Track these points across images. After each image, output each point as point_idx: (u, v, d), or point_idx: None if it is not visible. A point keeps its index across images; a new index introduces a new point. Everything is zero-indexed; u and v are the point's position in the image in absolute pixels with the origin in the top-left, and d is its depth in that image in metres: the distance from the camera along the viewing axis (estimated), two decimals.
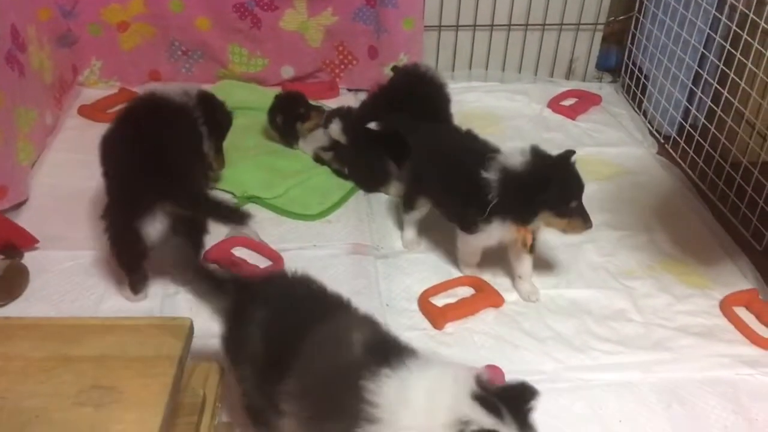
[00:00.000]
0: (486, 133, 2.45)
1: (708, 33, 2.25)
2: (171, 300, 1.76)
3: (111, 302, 1.75)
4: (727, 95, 2.14)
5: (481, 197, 1.67)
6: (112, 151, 1.73)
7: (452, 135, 1.93)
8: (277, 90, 2.65)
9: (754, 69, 2.01)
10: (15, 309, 1.71)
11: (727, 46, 2.14)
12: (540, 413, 1.48)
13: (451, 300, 1.78)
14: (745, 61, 2.04)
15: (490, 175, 1.66)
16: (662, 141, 2.49)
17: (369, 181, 2.21)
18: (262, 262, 1.89)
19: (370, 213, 2.12)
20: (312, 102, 2.40)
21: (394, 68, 2.36)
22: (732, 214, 2.11)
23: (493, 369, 1.55)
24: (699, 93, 2.31)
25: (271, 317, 1.22)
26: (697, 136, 2.29)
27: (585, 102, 2.71)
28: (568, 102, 2.72)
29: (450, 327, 1.72)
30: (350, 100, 2.66)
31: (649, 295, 1.84)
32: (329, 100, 2.64)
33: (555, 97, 2.72)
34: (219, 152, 2.06)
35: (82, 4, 2.49)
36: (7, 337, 1.11)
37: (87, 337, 1.11)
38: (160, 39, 2.61)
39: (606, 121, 2.62)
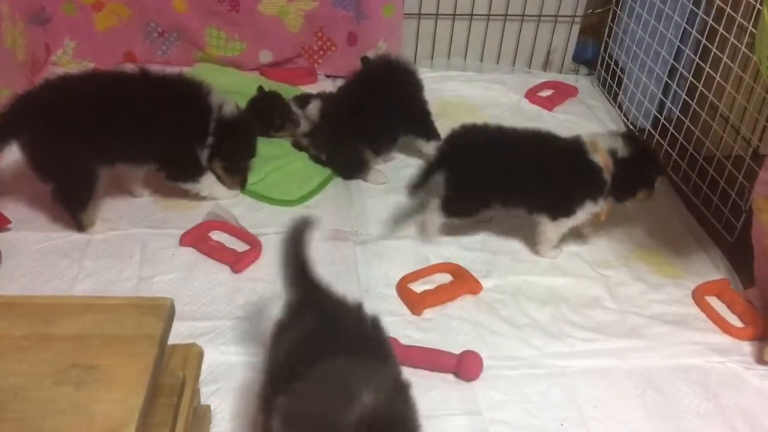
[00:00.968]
0: (463, 121, 2.48)
1: (684, 27, 2.28)
2: (147, 283, 1.75)
3: (85, 284, 1.73)
4: (702, 89, 2.17)
5: (587, 182, 1.81)
6: None
7: (498, 132, 1.94)
8: (255, 75, 2.64)
9: (730, 63, 2.04)
10: None
11: (703, 41, 2.18)
12: (517, 399, 1.52)
13: (430, 286, 1.79)
14: (720, 55, 2.07)
15: (598, 161, 1.79)
16: (637, 134, 2.51)
17: (347, 168, 2.20)
18: (240, 246, 1.87)
19: (349, 199, 2.12)
20: (290, 94, 2.38)
21: (364, 59, 2.35)
22: (704, 206, 2.14)
23: (471, 354, 1.56)
24: (674, 86, 2.34)
25: (306, 333, 1.21)
26: (671, 129, 2.32)
27: (562, 93, 2.73)
28: (545, 93, 2.74)
29: (428, 313, 1.73)
30: (328, 86, 2.64)
31: (624, 283, 1.86)
32: (307, 86, 2.63)
33: (532, 88, 2.74)
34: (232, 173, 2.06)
35: None
36: None
37: (65, 316, 1.09)
38: (136, 20, 2.57)
39: (582, 112, 2.65)
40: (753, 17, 1.95)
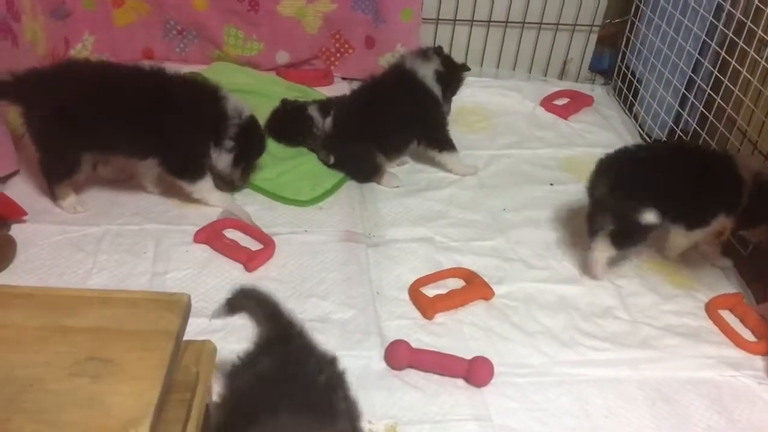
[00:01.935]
0: (478, 128, 2.51)
1: (704, 39, 2.27)
2: (160, 279, 1.75)
3: (99, 278, 1.73)
4: (720, 102, 2.16)
5: (729, 196, 1.79)
6: None
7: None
8: (272, 75, 2.65)
9: (749, 76, 2.04)
10: (0, 281, 1.68)
11: (723, 53, 2.17)
12: (527, 406, 1.52)
13: (442, 291, 1.79)
14: (739, 68, 2.07)
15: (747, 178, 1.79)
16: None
17: (360, 172, 2.21)
18: (253, 245, 1.88)
19: (362, 201, 2.12)
20: (309, 96, 2.39)
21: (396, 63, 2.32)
22: None
23: (482, 360, 1.56)
24: (692, 98, 2.33)
25: (257, 377, 1.18)
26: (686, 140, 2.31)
27: (577, 102, 2.73)
28: (560, 101, 2.73)
29: (440, 317, 1.73)
30: (344, 88, 2.64)
31: (637, 293, 1.86)
32: (323, 88, 2.64)
33: (548, 96, 2.74)
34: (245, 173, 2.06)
35: None
36: (1, 305, 1.09)
37: (82, 309, 1.09)
38: (155, 17, 2.58)
39: (597, 122, 2.65)
40: None
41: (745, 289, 1.91)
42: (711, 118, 2.21)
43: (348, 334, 1.64)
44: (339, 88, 2.63)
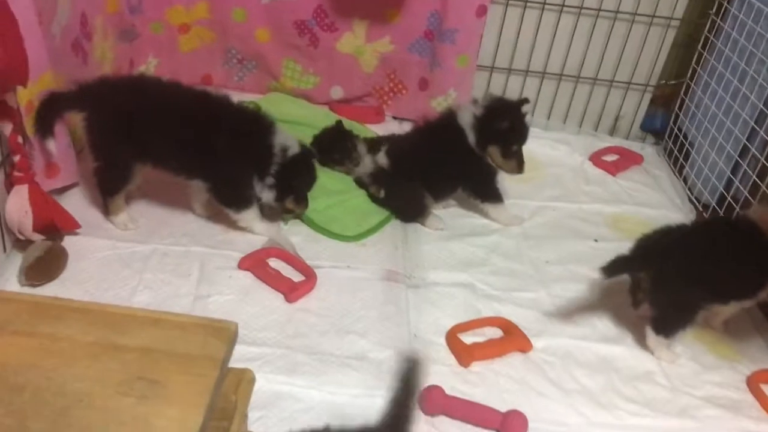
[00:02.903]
0: (526, 178, 2.50)
1: (761, 108, 2.26)
2: (203, 302, 1.78)
3: (143, 296, 1.77)
4: None
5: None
6: None
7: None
8: (325, 109, 2.69)
9: None
10: (49, 291, 1.73)
11: None
12: None
13: (480, 339, 1.78)
14: None
15: None
16: (701, 209, 2.48)
17: (406, 211, 2.22)
18: (295, 276, 1.89)
19: (405, 241, 2.13)
20: (357, 129, 2.43)
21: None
22: None
23: (516, 414, 1.54)
24: (744, 166, 2.31)
25: None
26: (737, 209, 2.28)
27: (627, 160, 2.72)
28: (609, 158, 2.73)
29: (476, 366, 1.72)
30: (395, 127, 2.69)
31: (678, 361, 1.82)
32: (374, 125, 2.67)
33: (597, 151, 2.74)
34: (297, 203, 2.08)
35: (148, 2, 2.53)
36: (57, 317, 1.11)
37: (134, 327, 1.11)
38: (218, 45, 2.66)
39: (646, 181, 2.63)
40: None
41: None
42: (764, 187, 2.18)
43: (383, 375, 1.63)
44: (389, 127, 2.67)
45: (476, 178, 2.24)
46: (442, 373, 1.68)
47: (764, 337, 1.96)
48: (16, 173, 1.74)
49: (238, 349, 1.60)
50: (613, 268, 1.75)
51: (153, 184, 2.07)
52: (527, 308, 1.92)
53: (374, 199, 2.25)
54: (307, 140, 2.24)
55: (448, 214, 2.29)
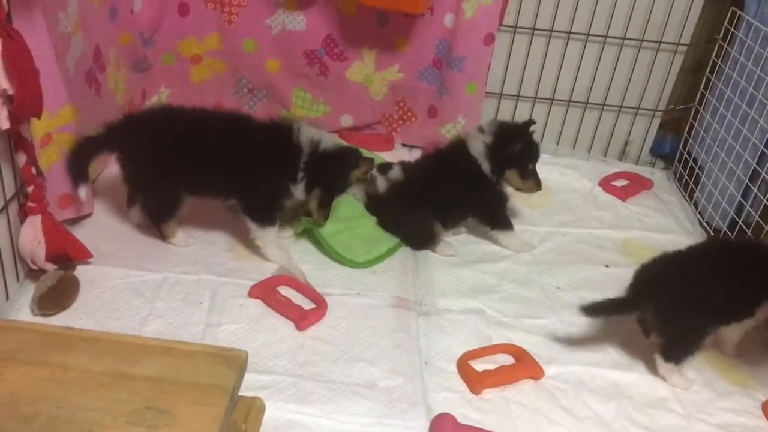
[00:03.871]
0: (535, 204, 2.51)
1: None
2: (214, 330, 1.78)
3: (154, 325, 1.77)
4: None
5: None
6: None
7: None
8: (334, 136, 2.71)
9: None
10: (61, 320, 1.73)
11: None
12: None
13: (491, 366, 1.77)
14: None
15: None
16: (712, 233, 2.47)
17: (416, 239, 2.22)
18: (306, 304, 1.90)
19: (416, 269, 2.13)
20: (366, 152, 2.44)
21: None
22: None
23: None
24: (755, 190, 2.30)
25: None
26: (749, 233, 2.27)
27: (636, 185, 2.72)
28: (619, 183, 2.73)
29: (487, 393, 1.70)
30: (404, 155, 2.70)
31: (691, 387, 1.80)
32: (383, 153, 2.68)
33: (607, 176, 2.74)
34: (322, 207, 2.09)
35: (160, 33, 2.58)
36: (68, 347, 1.13)
37: (144, 357, 1.12)
38: (229, 75, 2.69)
39: (656, 206, 2.62)
40: None
41: None
42: None
43: (394, 403, 1.63)
44: (399, 154, 2.69)
45: (488, 205, 2.25)
46: (454, 400, 1.67)
47: None
48: (29, 204, 1.77)
49: (248, 378, 1.60)
50: (596, 309, 1.78)
51: None
52: (538, 335, 1.91)
53: (384, 226, 2.25)
54: None
55: (458, 241, 2.29)
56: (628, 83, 2.74)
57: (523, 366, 1.78)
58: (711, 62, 2.65)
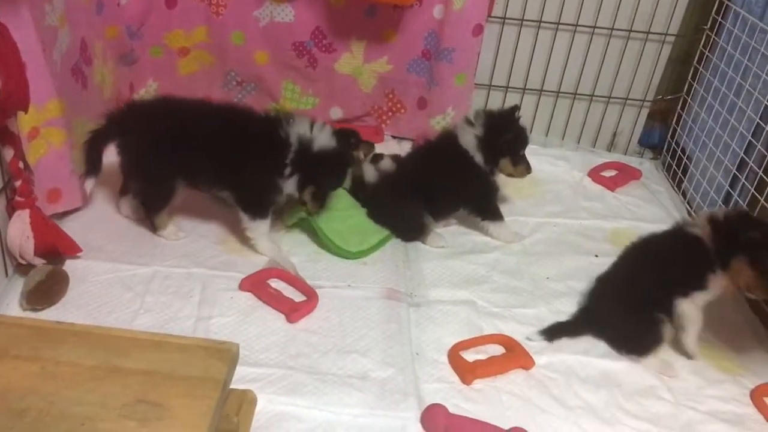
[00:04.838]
0: (525, 194, 2.52)
1: (757, 122, 2.27)
2: (204, 323, 1.78)
3: (145, 319, 1.77)
4: None
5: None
6: None
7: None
8: None
9: None
10: (51, 315, 1.73)
11: None
12: None
13: (482, 356, 1.78)
14: None
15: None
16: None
17: (406, 230, 2.23)
18: (296, 296, 1.90)
19: (406, 260, 2.13)
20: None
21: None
22: (767, 303, 2.09)
23: None
24: (743, 179, 2.32)
25: None
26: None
27: (625, 175, 2.73)
28: (608, 173, 2.74)
29: (478, 384, 1.71)
30: (394, 147, 2.70)
31: (681, 375, 1.82)
32: None
33: (596, 167, 2.75)
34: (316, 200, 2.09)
35: (148, 26, 2.56)
36: (59, 341, 1.12)
37: (136, 351, 1.12)
38: (217, 68, 2.68)
39: (645, 196, 2.64)
40: None
41: None
42: (762, 201, 2.18)
43: (386, 394, 1.63)
44: (388, 146, 2.69)
45: (480, 196, 2.26)
46: (445, 390, 1.68)
47: (767, 350, 1.95)
48: (17, 198, 1.76)
49: (240, 371, 1.61)
50: (552, 332, 1.87)
51: None
52: (529, 325, 1.91)
53: (374, 217, 2.25)
54: None
55: (448, 232, 2.29)
56: (616, 74, 2.75)
57: (514, 356, 1.79)
58: (699, 52, 2.67)
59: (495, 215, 2.26)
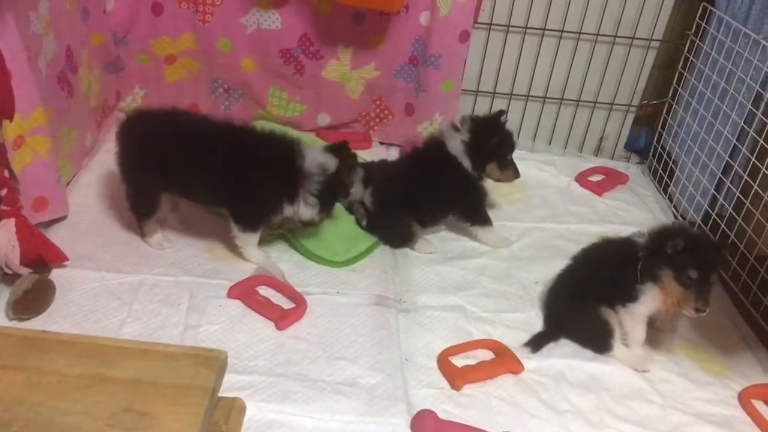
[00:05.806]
0: (513, 199, 2.53)
1: (742, 126, 2.29)
2: (193, 331, 1.77)
3: (132, 327, 1.75)
4: (757, 188, 2.16)
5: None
6: None
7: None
8: (312, 136, 2.71)
9: None
10: (38, 324, 1.71)
11: (761, 141, 2.18)
12: None
13: (471, 362, 1.78)
14: None
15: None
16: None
17: (394, 238, 2.22)
18: (285, 303, 1.89)
19: (395, 266, 2.13)
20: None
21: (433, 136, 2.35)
22: (753, 306, 2.11)
23: None
24: (728, 183, 2.34)
25: None
26: (723, 226, 2.31)
27: (612, 179, 2.75)
28: (595, 178, 2.75)
29: (468, 389, 1.71)
30: (382, 153, 2.71)
31: (669, 379, 1.83)
32: (361, 151, 2.67)
33: (583, 171, 2.77)
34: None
35: (134, 33, 2.56)
36: (44, 350, 1.11)
37: (123, 359, 1.11)
38: (204, 75, 2.67)
39: (631, 200, 2.65)
40: None
41: None
42: (747, 204, 2.20)
43: (375, 400, 1.63)
44: (376, 153, 2.69)
45: (469, 202, 2.26)
46: (435, 396, 1.67)
47: (754, 352, 1.97)
48: (3, 207, 1.75)
49: (229, 378, 1.61)
50: (536, 343, 1.87)
51: None
52: (518, 329, 1.92)
53: (357, 223, 2.25)
54: None
55: (437, 237, 2.29)
56: (602, 79, 2.77)
57: (504, 361, 1.80)
58: (683, 57, 2.69)
59: (483, 220, 2.26)
